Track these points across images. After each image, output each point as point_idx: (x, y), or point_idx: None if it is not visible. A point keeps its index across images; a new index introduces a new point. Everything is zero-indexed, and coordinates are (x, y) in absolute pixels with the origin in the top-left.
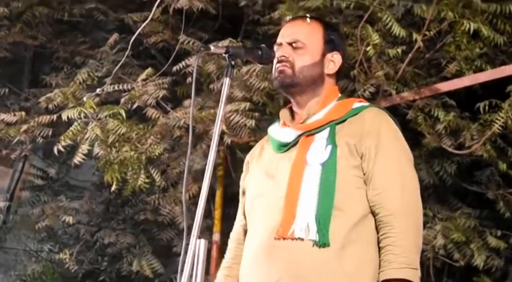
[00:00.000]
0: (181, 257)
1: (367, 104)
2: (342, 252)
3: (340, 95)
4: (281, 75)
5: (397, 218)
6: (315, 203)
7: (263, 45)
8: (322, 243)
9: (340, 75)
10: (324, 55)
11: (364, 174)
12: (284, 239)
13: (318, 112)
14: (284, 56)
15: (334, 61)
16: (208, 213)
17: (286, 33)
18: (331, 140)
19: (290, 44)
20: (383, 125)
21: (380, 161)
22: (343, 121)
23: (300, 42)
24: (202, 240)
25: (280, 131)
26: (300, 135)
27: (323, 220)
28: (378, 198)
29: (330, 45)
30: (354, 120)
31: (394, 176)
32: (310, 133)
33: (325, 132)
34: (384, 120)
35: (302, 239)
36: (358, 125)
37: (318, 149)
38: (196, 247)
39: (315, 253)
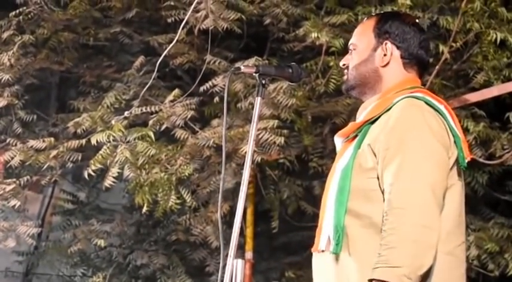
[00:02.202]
0: (219, 276)
1: (407, 95)
2: (353, 258)
3: (410, 86)
4: (344, 82)
5: (389, 215)
6: (333, 212)
7: (293, 63)
8: (334, 252)
9: (418, 62)
10: (374, 50)
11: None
12: (317, 252)
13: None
14: (344, 64)
15: (386, 52)
16: (239, 232)
17: None
18: (359, 142)
19: (350, 49)
20: (398, 118)
21: (386, 159)
22: (378, 119)
23: (352, 45)
24: (240, 260)
25: (335, 139)
26: (344, 142)
27: (337, 229)
28: (385, 197)
29: (381, 37)
30: (384, 117)
31: (392, 173)
32: (349, 138)
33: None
34: (402, 112)
35: (323, 251)
36: (383, 121)
37: (348, 154)
38: (234, 267)
39: (331, 262)
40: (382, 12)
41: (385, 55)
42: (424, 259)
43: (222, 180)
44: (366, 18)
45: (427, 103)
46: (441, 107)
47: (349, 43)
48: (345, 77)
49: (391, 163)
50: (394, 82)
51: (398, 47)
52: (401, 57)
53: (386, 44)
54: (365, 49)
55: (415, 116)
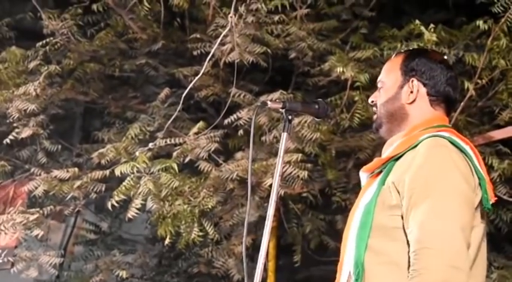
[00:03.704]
0: None
1: (432, 134)
2: None
3: (437, 124)
4: (374, 120)
5: (418, 255)
6: (354, 247)
7: (320, 99)
8: None
9: (445, 100)
10: (401, 87)
11: (402, 214)
12: None
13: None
14: (372, 101)
15: (412, 89)
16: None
17: None
18: (383, 179)
19: (378, 86)
20: (424, 157)
21: (413, 199)
22: (402, 156)
23: (380, 82)
24: None
25: (360, 174)
26: (369, 177)
27: (357, 264)
28: (409, 236)
29: (408, 74)
30: (409, 155)
31: (421, 213)
32: (374, 173)
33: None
34: (428, 151)
35: None
36: (409, 159)
37: (372, 190)
38: None
39: None
40: (410, 49)
41: (411, 92)
42: None
43: (248, 214)
44: (394, 55)
45: (453, 143)
46: (467, 148)
47: (378, 80)
48: (375, 116)
49: (419, 203)
50: (420, 119)
51: (425, 84)
52: (428, 94)
53: (412, 81)
54: (392, 86)
55: (442, 156)
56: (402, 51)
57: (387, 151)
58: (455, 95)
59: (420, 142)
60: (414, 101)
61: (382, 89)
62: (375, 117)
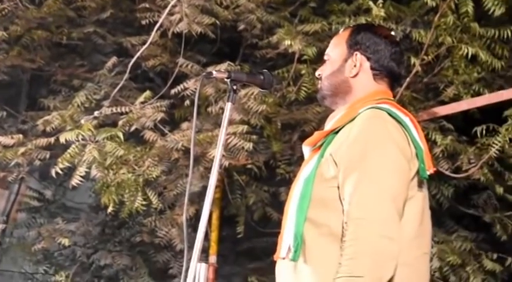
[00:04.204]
0: (182, 279)
1: (370, 106)
2: (309, 266)
3: (379, 97)
4: (317, 91)
5: (349, 225)
6: (293, 220)
7: (265, 70)
8: (292, 259)
9: (389, 74)
10: (345, 60)
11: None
12: (279, 259)
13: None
14: (318, 74)
15: (355, 62)
16: (204, 236)
17: None
18: (322, 151)
19: (325, 59)
20: (360, 128)
21: (347, 169)
22: (342, 129)
23: (327, 55)
24: (203, 264)
25: (303, 148)
26: (311, 150)
27: (296, 236)
28: (344, 207)
29: (352, 48)
30: (348, 127)
31: (353, 183)
32: (316, 147)
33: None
34: (364, 122)
35: (284, 258)
36: (346, 131)
37: (312, 163)
38: (197, 270)
39: (290, 269)
40: (357, 24)
41: (354, 66)
42: (384, 270)
43: (189, 183)
44: (342, 30)
45: (390, 114)
46: (406, 119)
47: (325, 53)
48: (318, 86)
49: (352, 173)
50: (363, 93)
51: (368, 58)
52: (371, 68)
53: (356, 54)
54: (337, 60)
55: (377, 126)
56: (351, 26)
57: (329, 124)
58: (400, 70)
59: (359, 114)
60: (357, 74)
61: (328, 61)
62: (318, 88)
